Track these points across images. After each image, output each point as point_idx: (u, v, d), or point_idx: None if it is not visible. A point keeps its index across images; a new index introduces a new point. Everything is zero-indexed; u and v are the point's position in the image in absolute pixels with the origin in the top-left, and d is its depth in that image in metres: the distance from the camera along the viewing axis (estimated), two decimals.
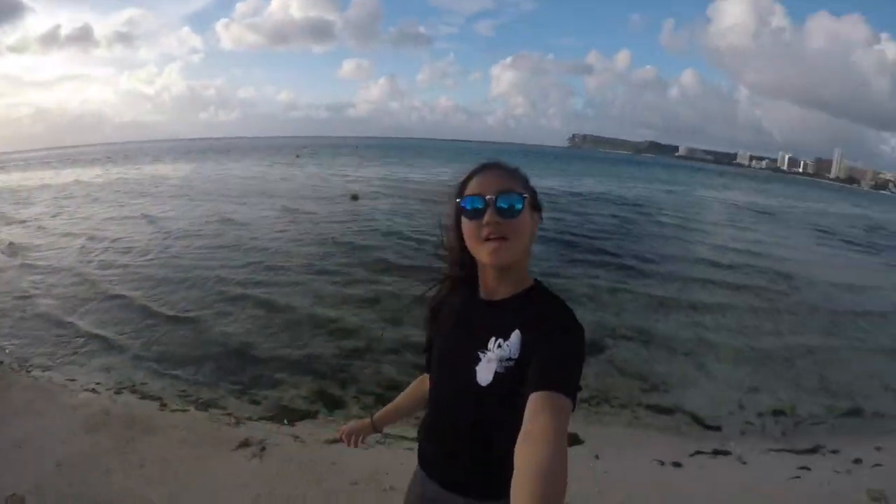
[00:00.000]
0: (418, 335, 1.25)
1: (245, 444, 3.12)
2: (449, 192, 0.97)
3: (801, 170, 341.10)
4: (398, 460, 2.92)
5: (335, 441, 2.91)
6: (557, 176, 36.45)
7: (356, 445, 1.25)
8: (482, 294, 0.96)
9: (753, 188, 50.79)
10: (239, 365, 4.67)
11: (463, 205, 0.91)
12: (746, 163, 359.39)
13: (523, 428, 0.71)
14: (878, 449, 3.68)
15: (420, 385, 1.20)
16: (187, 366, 4.60)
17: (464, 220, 0.91)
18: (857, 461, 3.49)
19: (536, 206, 0.95)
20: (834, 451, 3.65)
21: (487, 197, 0.88)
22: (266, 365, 4.67)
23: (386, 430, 1.33)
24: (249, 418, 3.68)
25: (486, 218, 0.87)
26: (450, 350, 0.98)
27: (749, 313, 6.93)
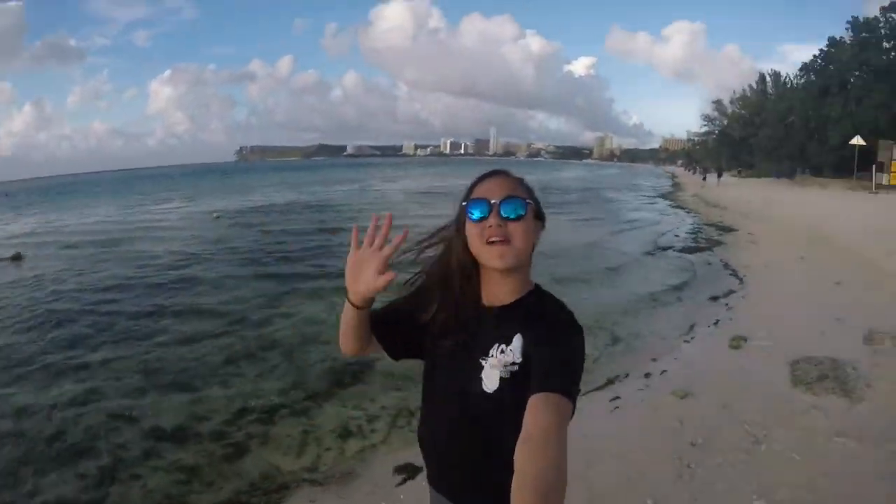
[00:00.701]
0: None
1: None
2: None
3: (462, 151, 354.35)
4: None
5: None
6: (236, 193, 34.78)
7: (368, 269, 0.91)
8: (484, 301, 0.96)
9: (430, 173, 56.92)
10: None
11: (468, 208, 0.92)
12: (412, 152, 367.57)
13: (524, 430, 0.72)
14: (654, 360, 4.54)
15: (366, 319, 1.01)
16: None
17: (468, 223, 0.92)
18: (647, 375, 4.21)
19: (539, 216, 0.96)
20: (626, 375, 4.32)
21: (492, 201, 0.90)
22: None
23: None
24: None
25: (491, 221, 0.89)
26: (452, 359, 0.96)
27: None
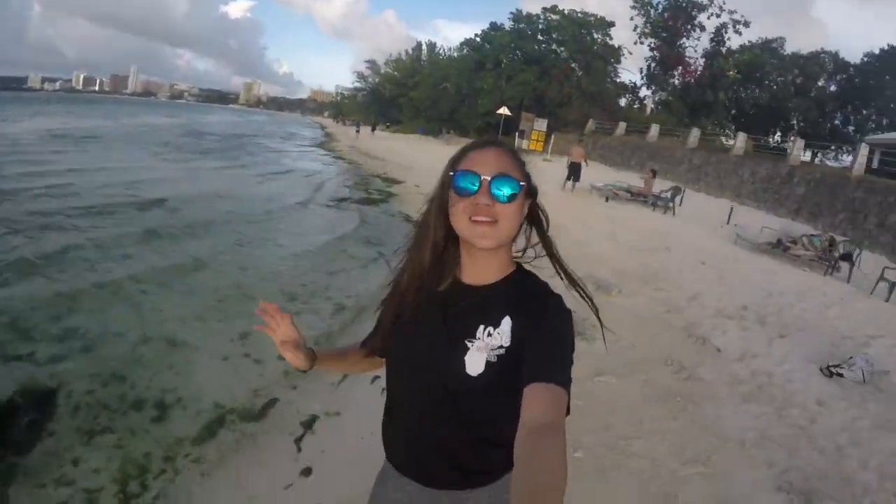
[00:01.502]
0: None
1: None
2: None
3: (97, 88, 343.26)
4: None
5: None
6: None
7: (285, 351, 0.99)
8: (465, 278, 0.92)
9: (65, 111, 43.37)
10: None
11: (455, 179, 0.85)
12: (38, 86, 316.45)
13: (521, 421, 0.71)
14: None
15: (360, 354, 1.07)
16: None
17: (453, 194, 0.86)
18: None
19: (531, 193, 0.91)
20: None
21: (483, 178, 0.84)
22: None
23: None
24: None
25: (479, 199, 0.83)
26: (430, 340, 0.90)
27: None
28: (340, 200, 10.67)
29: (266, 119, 71.55)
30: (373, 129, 37.68)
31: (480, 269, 0.90)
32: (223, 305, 4.24)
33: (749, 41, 29.26)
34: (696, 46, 29.70)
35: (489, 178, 0.83)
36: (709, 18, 28.77)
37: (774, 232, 8.91)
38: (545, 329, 0.81)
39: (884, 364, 4.07)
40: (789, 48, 29.76)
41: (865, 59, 28.29)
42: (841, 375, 3.79)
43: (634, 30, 30.20)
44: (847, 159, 23.34)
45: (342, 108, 64.53)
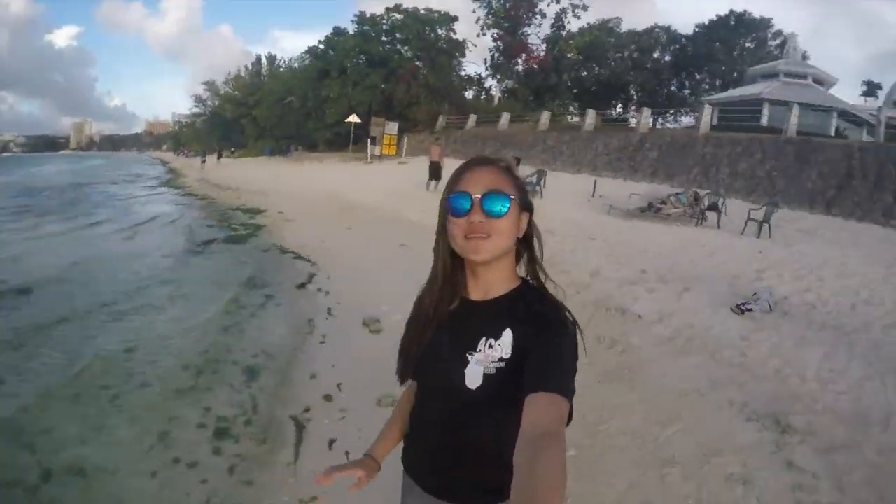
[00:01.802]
0: None
1: None
2: None
3: None
4: None
5: None
6: None
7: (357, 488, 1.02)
8: (471, 295, 0.96)
9: None
10: None
11: (450, 202, 0.90)
12: None
13: (521, 431, 0.72)
14: (312, 377, 3.48)
15: (408, 401, 1.09)
16: None
17: (450, 217, 0.91)
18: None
19: (526, 206, 0.94)
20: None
21: (474, 196, 0.88)
22: None
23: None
24: None
25: (472, 217, 0.87)
26: (437, 353, 0.95)
27: None
28: (207, 243, 9.48)
29: (103, 162, 61.28)
30: (219, 157, 34.86)
31: (483, 285, 0.94)
32: (123, 404, 3.43)
33: (588, 23, 31.76)
34: (538, 33, 32.03)
35: (480, 196, 0.87)
36: (549, 5, 31.07)
37: (642, 196, 9.99)
38: (547, 340, 0.82)
39: (778, 291, 4.76)
40: (626, 27, 32.64)
41: (697, 30, 31.45)
42: (751, 310, 4.34)
43: (477, 22, 31.68)
44: (687, 120, 27.11)
45: (181, 137, 58.62)
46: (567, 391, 0.76)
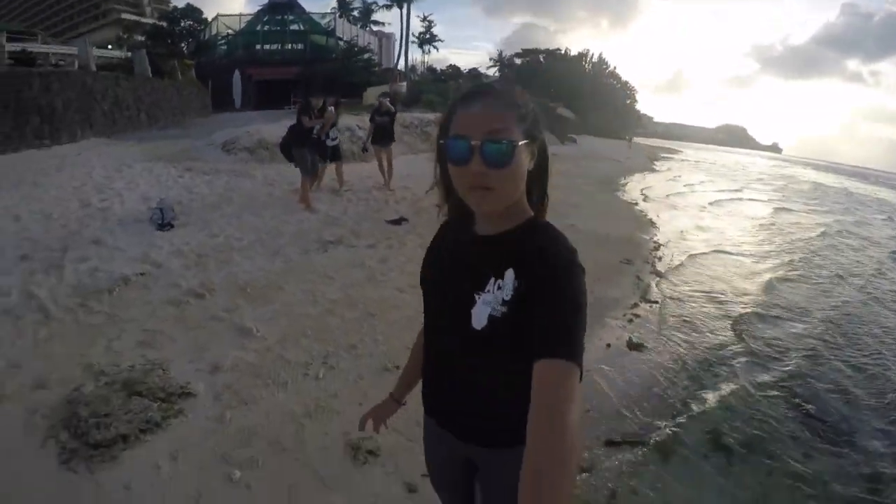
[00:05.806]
0: None
1: None
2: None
3: None
4: None
5: None
6: None
7: (383, 428, 1.19)
8: (478, 229, 0.90)
9: None
10: None
11: (448, 149, 0.82)
12: None
13: (532, 401, 0.70)
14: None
15: (423, 338, 1.06)
16: None
17: (449, 163, 0.83)
18: None
19: (535, 136, 0.83)
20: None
21: (473, 142, 0.78)
22: None
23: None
24: None
25: (472, 167, 0.79)
26: (445, 291, 0.93)
27: None
28: None
29: None
30: None
31: (487, 220, 0.87)
32: None
33: None
34: None
35: (479, 143, 0.78)
36: None
37: None
38: (551, 291, 0.76)
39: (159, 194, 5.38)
40: None
41: None
42: (172, 226, 4.59)
43: None
44: None
45: None
46: (574, 353, 0.72)
